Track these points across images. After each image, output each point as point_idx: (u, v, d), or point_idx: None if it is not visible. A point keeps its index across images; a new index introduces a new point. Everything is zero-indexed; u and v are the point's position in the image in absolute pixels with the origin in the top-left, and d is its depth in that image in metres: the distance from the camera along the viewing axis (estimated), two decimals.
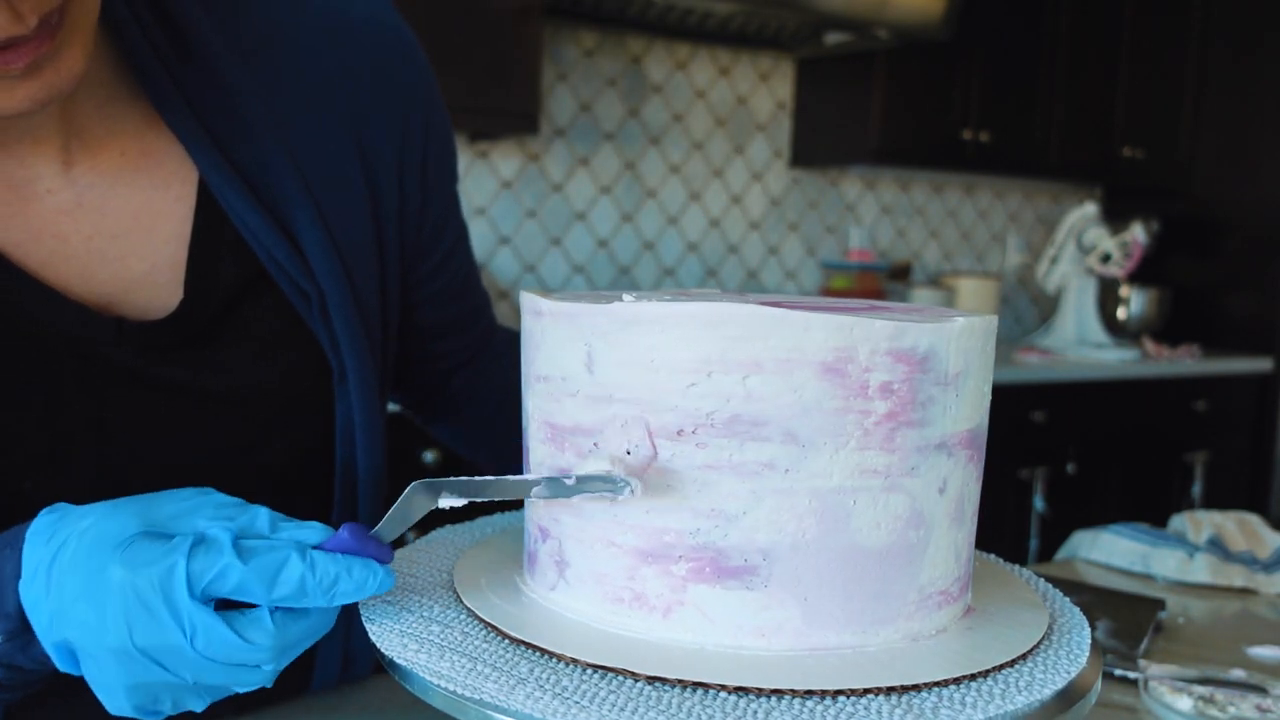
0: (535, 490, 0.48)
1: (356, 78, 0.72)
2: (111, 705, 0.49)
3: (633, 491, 0.47)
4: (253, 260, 0.67)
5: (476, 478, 0.49)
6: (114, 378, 0.63)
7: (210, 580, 0.46)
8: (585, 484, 0.47)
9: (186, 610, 0.45)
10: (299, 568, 0.47)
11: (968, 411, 0.52)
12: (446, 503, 0.49)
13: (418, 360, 0.84)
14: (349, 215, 0.70)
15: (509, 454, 0.78)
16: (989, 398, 0.55)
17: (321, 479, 0.72)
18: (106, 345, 0.63)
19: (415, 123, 0.75)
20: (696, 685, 0.44)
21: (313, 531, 0.49)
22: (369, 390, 0.70)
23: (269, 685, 0.49)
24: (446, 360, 0.86)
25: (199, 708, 0.50)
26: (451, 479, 0.49)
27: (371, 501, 0.73)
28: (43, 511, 0.50)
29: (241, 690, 0.49)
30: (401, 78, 0.74)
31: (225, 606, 0.47)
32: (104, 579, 0.46)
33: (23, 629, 0.50)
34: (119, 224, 0.64)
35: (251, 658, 0.47)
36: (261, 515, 0.49)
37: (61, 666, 0.49)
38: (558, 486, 0.48)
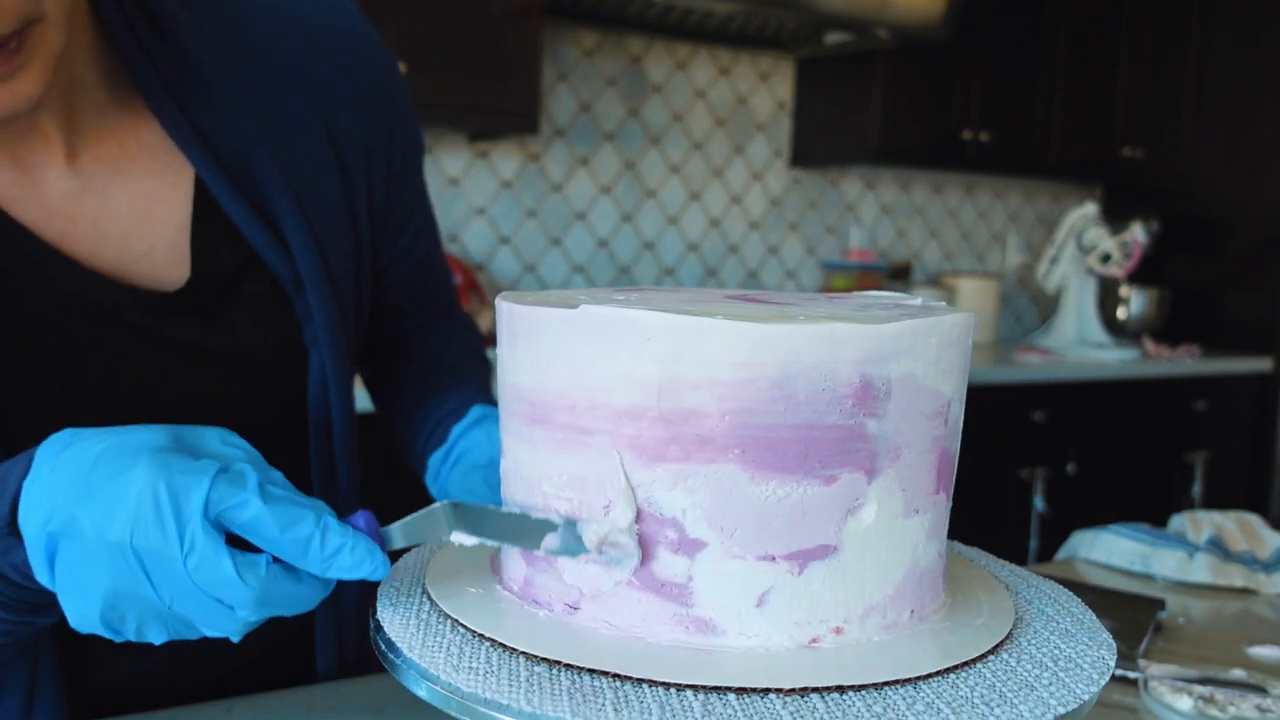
0: (546, 541, 0.50)
1: (327, 76, 0.78)
2: (78, 614, 0.49)
3: (637, 565, 0.48)
4: (245, 245, 0.74)
5: (498, 510, 0.52)
6: (125, 336, 0.70)
7: (227, 508, 0.47)
8: (602, 550, 0.48)
9: (192, 526, 0.46)
10: (311, 526, 0.48)
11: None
12: (457, 539, 0.51)
13: (379, 335, 0.91)
14: (324, 203, 0.77)
15: (419, 418, 0.86)
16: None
17: (303, 433, 0.79)
18: (118, 307, 0.69)
19: (382, 116, 0.81)
20: (744, 691, 0.44)
21: (324, 507, 0.50)
22: (341, 361, 0.78)
23: (235, 640, 0.50)
24: (404, 331, 0.92)
25: (158, 639, 0.51)
26: (475, 505, 0.51)
27: (346, 454, 0.80)
28: (67, 429, 0.52)
29: (209, 634, 0.50)
30: (368, 75, 0.81)
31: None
32: (128, 474, 0.47)
33: (9, 531, 0.51)
34: (120, 207, 0.71)
35: (232, 596, 0.47)
36: (278, 475, 0.51)
37: (35, 565, 0.49)
38: (571, 542, 0.49)
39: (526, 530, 0.50)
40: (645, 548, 0.48)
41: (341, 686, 0.78)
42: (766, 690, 0.44)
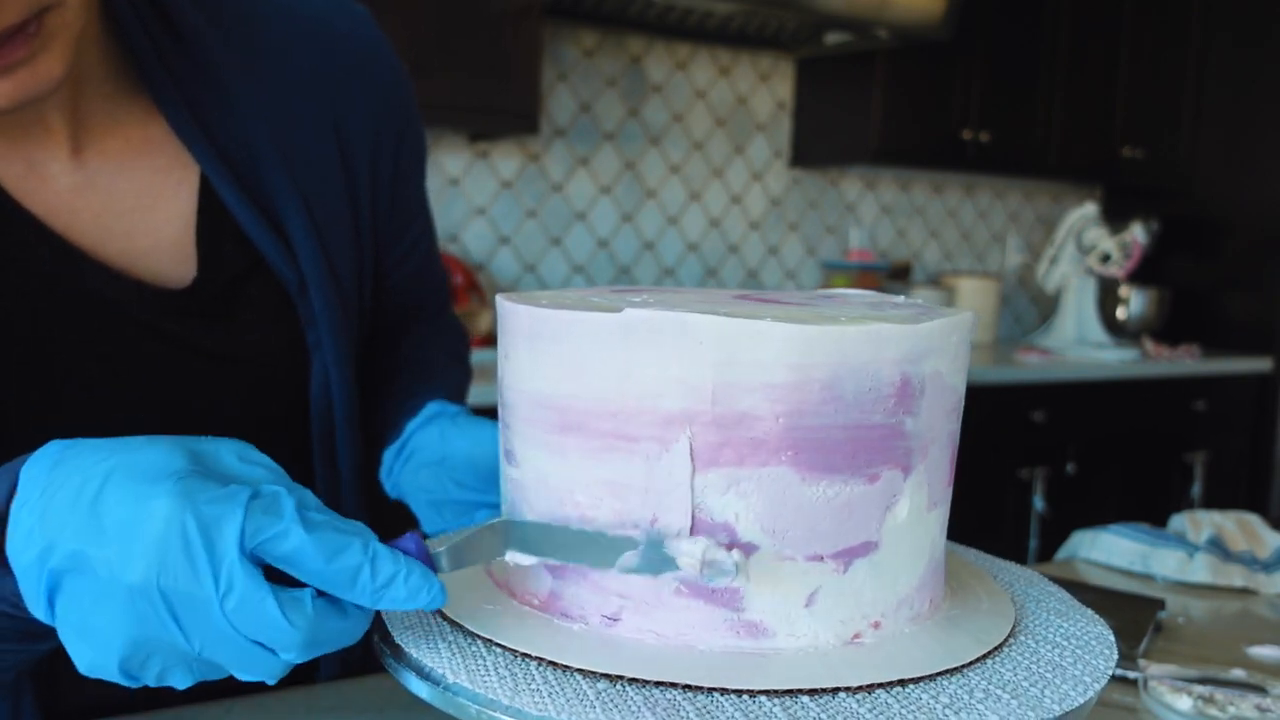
0: (623, 560, 0.47)
1: (337, 79, 0.79)
2: (90, 662, 0.44)
3: (736, 577, 0.45)
4: (250, 246, 0.73)
5: (566, 529, 0.48)
6: (128, 331, 0.69)
7: (265, 539, 0.42)
8: (703, 570, 0.45)
9: (229, 563, 0.41)
10: (359, 555, 0.43)
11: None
12: (512, 559, 0.48)
13: (373, 334, 0.90)
14: (330, 206, 0.77)
15: (384, 415, 0.85)
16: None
17: (306, 436, 0.79)
18: (125, 303, 0.69)
19: (390, 120, 0.82)
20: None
21: (368, 531, 0.46)
22: (344, 363, 0.78)
23: (271, 683, 0.45)
24: (397, 332, 0.92)
25: (182, 685, 0.46)
26: (535, 524, 0.48)
27: (349, 458, 0.79)
28: (54, 441, 0.46)
29: (244, 678, 0.45)
30: (378, 79, 0.81)
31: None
32: (148, 506, 0.42)
33: None
34: (124, 203, 0.70)
35: (276, 639, 0.43)
36: (309, 495, 0.46)
37: (32, 605, 0.44)
38: (655, 560, 0.46)
39: (599, 548, 0.47)
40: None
41: (342, 686, 0.78)
42: (835, 690, 0.44)
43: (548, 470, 0.50)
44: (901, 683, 0.45)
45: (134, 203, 0.71)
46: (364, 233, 0.80)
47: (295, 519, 0.43)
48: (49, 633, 0.49)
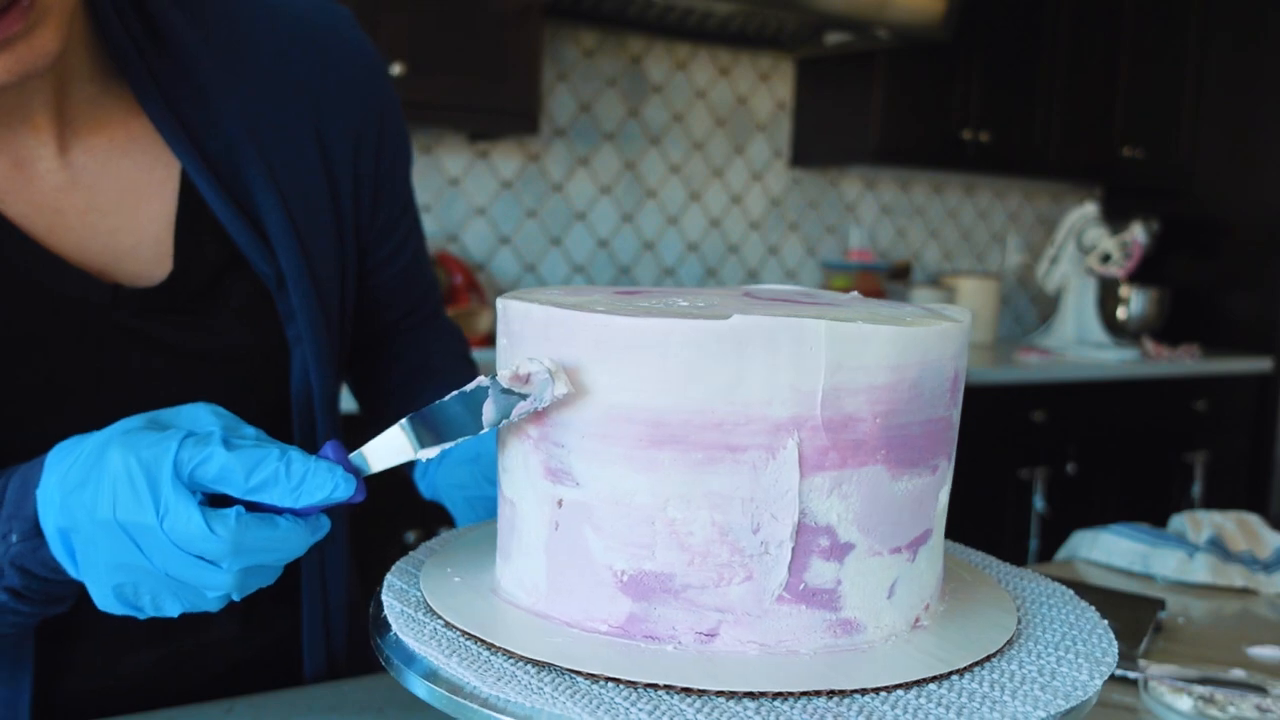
0: (485, 415, 0.49)
1: (318, 78, 0.79)
2: (99, 596, 0.53)
3: (555, 395, 0.47)
4: (229, 242, 0.74)
5: (439, 405, 0.51)
6: (109, 335, 0.70)
7: (195, 466, 0.50)
8: (514, 394, 0.48)
9: (165, 490, 0.49)
10: (275, 462, 0.50)
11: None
12: (425, 455, 0.51)
13: (367, 338, 0.91)
14: (310, 203, 0.77)
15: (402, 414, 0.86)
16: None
17: (288, 433, 0.79)
18: (104, 307, 0.70)
19: (371, 121, 0.82)
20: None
21: (294, 448, 0.52)
22: (325, 360, 0.78)
23: (236, 597, 0.53)
24: (390, 335, 0.93)
25: (174, 610, 0.53)
26: (424, 411, 0.51)
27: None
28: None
29: (209, 593, 0.52)
30: (359, 78, 0.82)
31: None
32: (105, 458, 0.51)
33: (35, 532, 0.55)
34: (109, 200, 0.71)
35: (210, 549, 0.50)
36: (250, 431, 0.53)
37: (61, 560, 0.54)
38: (501, 399, 0.49)
39: (470, 414, 0.50)
40: (797, 559, 0.47)
41: (342, 686, 0.78)
42: (949, 674, 0.47)
43: (634, 487, 0.47)
44: (988, 658, 0.48)
45: (118, 200, 0.71)
46: (346, 229, 0.81)
47: (219, 444, 0.50)
48: (64, 596, 0.60)
